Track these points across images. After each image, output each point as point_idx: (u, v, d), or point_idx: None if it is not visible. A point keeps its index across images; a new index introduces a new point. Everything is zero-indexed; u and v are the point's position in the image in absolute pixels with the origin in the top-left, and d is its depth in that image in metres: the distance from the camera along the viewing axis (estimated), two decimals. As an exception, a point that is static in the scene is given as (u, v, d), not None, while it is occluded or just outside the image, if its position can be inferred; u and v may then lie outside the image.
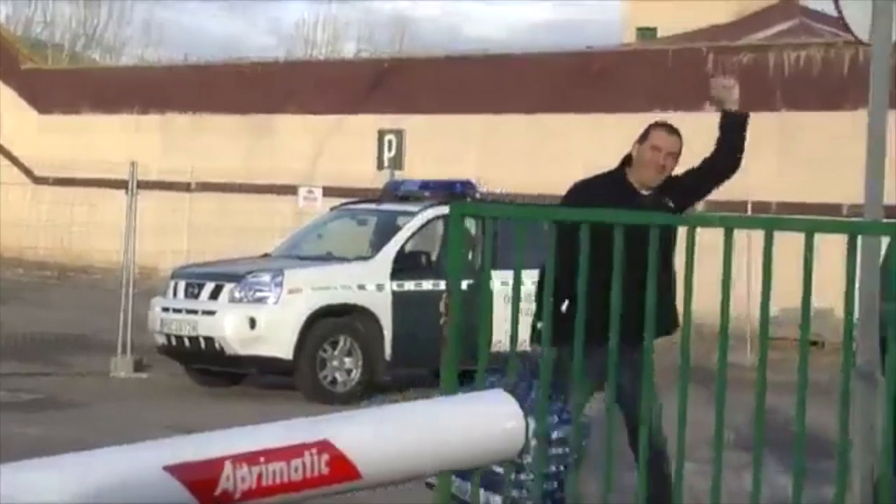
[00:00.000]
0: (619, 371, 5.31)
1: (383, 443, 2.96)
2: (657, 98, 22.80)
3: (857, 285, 5.10)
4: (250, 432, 2.88)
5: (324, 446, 2.86)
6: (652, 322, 5.12)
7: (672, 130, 6.56)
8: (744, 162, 6.77)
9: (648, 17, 44.97)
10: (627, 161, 6.59)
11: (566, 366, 5.64)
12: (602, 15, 65.07)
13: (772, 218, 5.47)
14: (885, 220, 7.18)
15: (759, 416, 5.16)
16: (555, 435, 5.45)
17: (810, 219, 5.56)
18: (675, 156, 6.53)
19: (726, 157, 6.62)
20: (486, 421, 3.02)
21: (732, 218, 5.44)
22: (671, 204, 6.50)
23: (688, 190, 6.59)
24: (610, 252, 5.12)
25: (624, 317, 5.18)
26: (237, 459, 2.76)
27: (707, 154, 6.70)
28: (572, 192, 6.63)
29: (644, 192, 6.48)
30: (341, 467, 2.88)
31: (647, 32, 43.92)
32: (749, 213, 16.66)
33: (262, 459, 2.79)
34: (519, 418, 3.00)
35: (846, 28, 7.77)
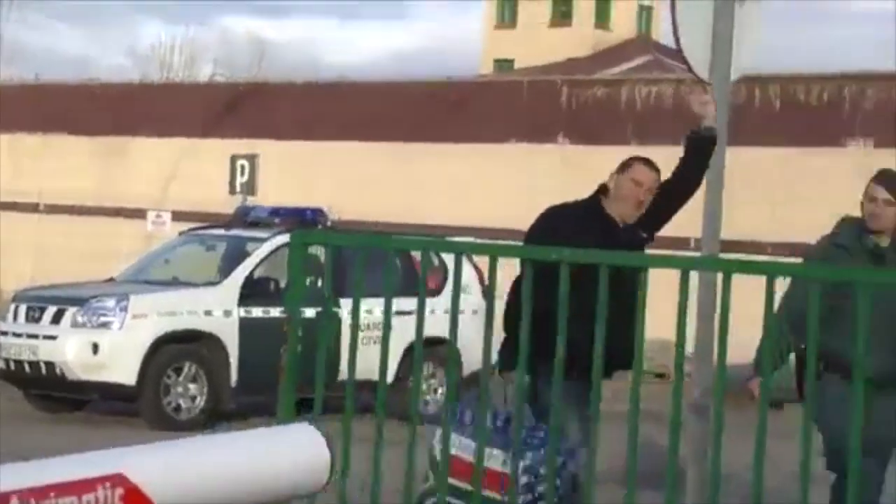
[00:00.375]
0: (576, 405, 5.31)
1: (181, 476, 2.89)
2: (512, 128, 22.99)
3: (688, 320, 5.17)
4: (41, 465, 2.78)
5: (118, 480, 2.78)
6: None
7: (653, 167, 6.41)
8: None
9: (508, 49, 45.45)
10: (602, 190, 6.42)
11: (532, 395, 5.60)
12: (463, 45, 65.63)
13: (607, 253, 5.49)
14: (719, 256, 7.30)
15: (591, 445, 5.19)
16: (542, 470, 5.31)
17: (643, 255, 5.60)
18: (652, 192, 6.37)
19: (691, 175, 6.53)
20: (289, 454, 2.96)
21: (568, 251, 5.45)
22: (644, 235, 6.39)
23: (655, 217, 6.45)
24: (575, 287, 5.05)
25: (582, 351, 5.14)
26: (24, 494, 2.66)
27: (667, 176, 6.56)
28: (543, 219, 6.39)
29: (622, 226, 6.34)
30: (136, 502, 2.80)
31: (504, 64, 44.39)
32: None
33: (52, 494, 2.70)
34: (323, 451, 2.95)
35: (687, 66, 7.91)
